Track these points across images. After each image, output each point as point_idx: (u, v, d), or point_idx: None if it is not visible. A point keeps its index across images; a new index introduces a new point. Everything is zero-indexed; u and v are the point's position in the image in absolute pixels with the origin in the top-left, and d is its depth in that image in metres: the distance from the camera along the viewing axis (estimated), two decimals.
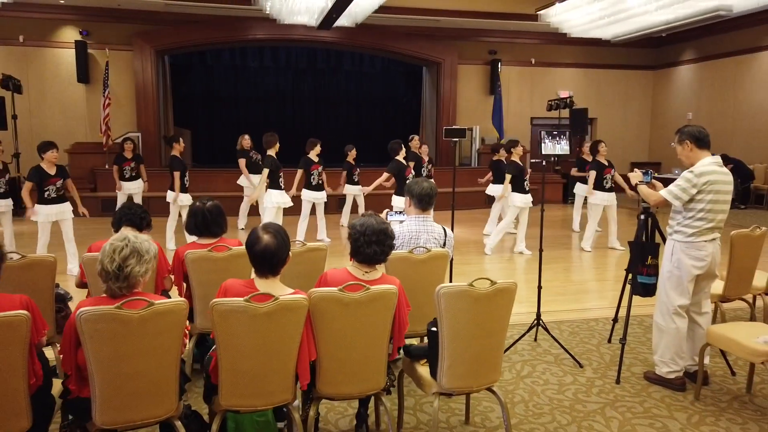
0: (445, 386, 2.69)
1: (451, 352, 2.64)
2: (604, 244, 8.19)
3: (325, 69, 16.79)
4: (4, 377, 2.12)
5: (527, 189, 7.61)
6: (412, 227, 3.52)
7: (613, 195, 7.81)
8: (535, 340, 4.39)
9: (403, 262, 3.31)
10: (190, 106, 15.71)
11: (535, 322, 4.27)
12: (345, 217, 9.70)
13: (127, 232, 3.37)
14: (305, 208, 8.03)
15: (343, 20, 11.33)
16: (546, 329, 4.22)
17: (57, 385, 2.55)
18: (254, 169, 9.18)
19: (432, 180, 3.76)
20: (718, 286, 4.08)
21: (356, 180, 9.62)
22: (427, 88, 15.81)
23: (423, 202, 3.50)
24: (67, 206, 6.29)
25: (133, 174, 9.22)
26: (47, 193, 6.11)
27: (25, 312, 2.14)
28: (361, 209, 10.08)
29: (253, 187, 8.89)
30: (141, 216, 3.49)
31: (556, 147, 3.92)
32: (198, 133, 15.27)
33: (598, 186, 7.74)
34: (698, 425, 3.18)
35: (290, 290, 2.52)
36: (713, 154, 3.64)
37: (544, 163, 4.30)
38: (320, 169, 8.01)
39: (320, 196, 8.10)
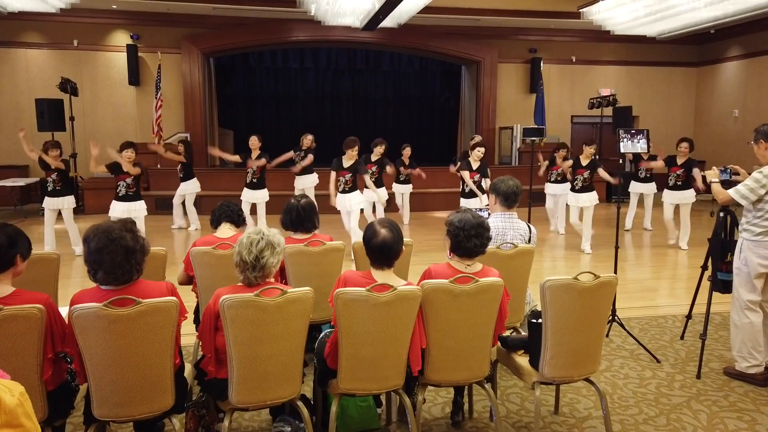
0: (547, 375, 2.80)
1: (555, 342, 2.74)
2: (658, 243, 8.16)
3: (364, 69, 16.98)
4: (157, 358, 2.30)
5: (577, 187, 7.65)
6: (498, 224, 3.63)
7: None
8: (607, 335, 4.46)
9: (491, 257, 3.40)
10: (232, 106, 16.05)
11: (611, 318, 4.34)
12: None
13: (227, 228, 3.58)
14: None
15: (386, 21, 11.46)
16: (622, 325, 4.30)
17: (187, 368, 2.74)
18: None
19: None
20: None
21: (402, 179, 9.79)
22: (466, 87, 15.86)
23: (509, 200, 3.61)
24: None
25: (182, 177, 9.42)
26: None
27: (174, 298, 2.32)
28: (406, 209, 10.18)
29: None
30: (238, 213, 3.70)
31: (636, 146, 3.99)
32: (239, 134, 15.58)
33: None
34: None
35: (403, 281, 2.67)
36: None
37: (620, 161, 4.36)
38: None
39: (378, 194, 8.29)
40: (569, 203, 7.73)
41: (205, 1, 11.64)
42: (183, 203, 9.61)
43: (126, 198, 6.62)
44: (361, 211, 8.15)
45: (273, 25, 13.28)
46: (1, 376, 1.60)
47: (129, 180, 6.58)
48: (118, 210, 6.48)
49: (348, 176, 7.34)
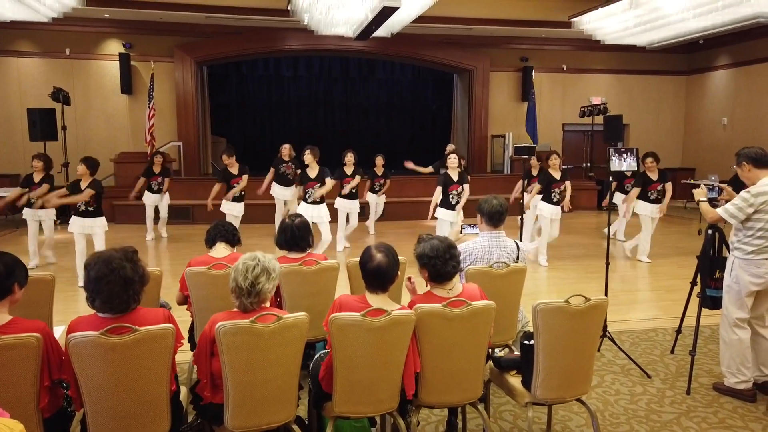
0: (540, 397, 2.84)
1: (546, 364, 2.79)
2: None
3: (357, 78, 17.05)
4: (153, 384, 2.32)
5: (555, 200, 7.57)
6: (484, 243, 3.66)
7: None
8: (599, 350, 4.51)
9: (483, 276, 3.45)
10: (225, 115, 16.06)
11: (602, 333, 4.38)
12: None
13: (222, 247, 3.60)
14: (340, 217, 8.34)
15: (379, 30, 11.51)
16: (613, 341, 4.34)
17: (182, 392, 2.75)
18: (282, 180, 9.14)
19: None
20: None
21: (376, 189, 9.70)
22: (458, 95, 15.96)
23: (494, 219, 3.64)
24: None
25: (160, 188, 9.44)
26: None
27: (171, 325, 2.34)
28: (373, 216, 10.16)
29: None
30: (233, 233, 3.73)
31: (623, 164, 4.06)
32: (232, 142, 15.56)
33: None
34: None
35: (398, 305, 2.70)
36: None
37: (611, 179, 4.43)
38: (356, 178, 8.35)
39: (352, 205, 8.38)
40: (545, 215, 7.58)
41: (198, 10, 11.66)
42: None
43: (86, 214, 6.38)
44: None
45: (266, 33, 13.31)
46: (1, 414, 1.62)
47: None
48: (77, 225, 6.36)
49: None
